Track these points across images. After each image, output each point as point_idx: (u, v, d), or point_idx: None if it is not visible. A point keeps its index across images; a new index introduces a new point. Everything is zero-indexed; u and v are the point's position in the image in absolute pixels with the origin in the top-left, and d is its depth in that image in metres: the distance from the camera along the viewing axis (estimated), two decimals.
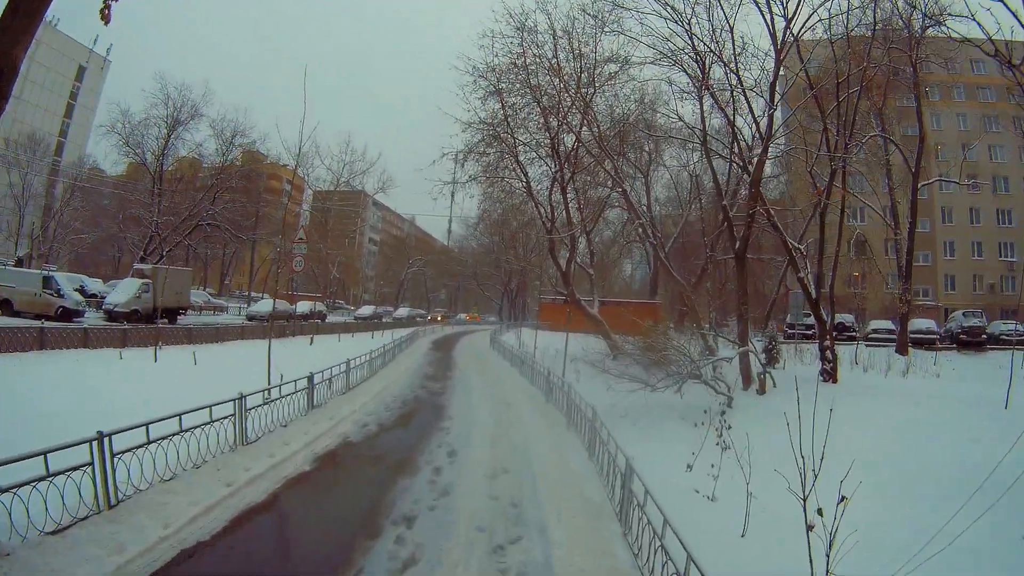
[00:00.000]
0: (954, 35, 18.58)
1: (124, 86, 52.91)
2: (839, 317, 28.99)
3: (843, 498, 4.11)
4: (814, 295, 15.50)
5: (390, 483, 7.81)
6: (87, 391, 10.76)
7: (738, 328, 13.64)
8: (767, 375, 13.47)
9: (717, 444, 7.96)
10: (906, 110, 23.50)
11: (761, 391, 13.35)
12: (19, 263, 30.56)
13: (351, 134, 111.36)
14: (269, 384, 10.59)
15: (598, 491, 7.64)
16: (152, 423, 6.45)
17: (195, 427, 7.23)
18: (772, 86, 13.00)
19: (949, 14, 17.90)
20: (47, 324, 15.91)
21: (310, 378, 11.44)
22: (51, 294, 19.96)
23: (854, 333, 27.33)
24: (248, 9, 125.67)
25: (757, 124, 13.38)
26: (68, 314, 19.97)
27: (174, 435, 6.82)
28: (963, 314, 28.22)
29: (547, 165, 20.50)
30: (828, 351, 15.23)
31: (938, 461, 8.19)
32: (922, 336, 25.24)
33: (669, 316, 28.40)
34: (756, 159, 13.12)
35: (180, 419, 6.96)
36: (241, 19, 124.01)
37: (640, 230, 38.18)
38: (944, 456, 8.37)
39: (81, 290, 25.16)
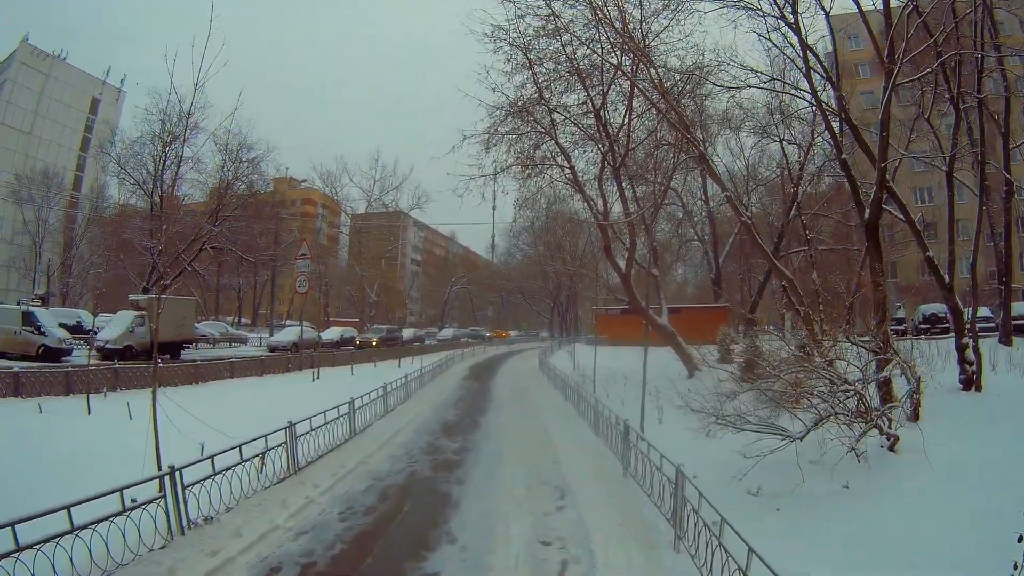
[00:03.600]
0: None
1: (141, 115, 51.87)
2: (929, 307, 24.49)
3: None
4: (947, 280, 11.62)
5: None
6: None
7: (877, 330, 9.79)
8: (918, 395, 9.65)
9: None
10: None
11: (914, 418, 9.54)
12: (41, 302, 29.29)
13: (379, 149, 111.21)
14: (160, 470, 6.40)
15: None
16: None
17: None
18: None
19: None
20: None
21: (170, 476, 6.09)
22: (31, 332, 17.82)
23: (947, 325, 23.11)
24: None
25: (878, 48, 9.83)
26: (51, 353, 17.82)
27: None
28: None
29: (596, 147, 17.23)
30: (967, 350, 11.33)
31: None
32: None
33: (739, 321, 24.62)
34: (885, 91, 9.23)
35: None
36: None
37: (695, 229, 34.67)
38: None
39: (78, 326, 23.55)
